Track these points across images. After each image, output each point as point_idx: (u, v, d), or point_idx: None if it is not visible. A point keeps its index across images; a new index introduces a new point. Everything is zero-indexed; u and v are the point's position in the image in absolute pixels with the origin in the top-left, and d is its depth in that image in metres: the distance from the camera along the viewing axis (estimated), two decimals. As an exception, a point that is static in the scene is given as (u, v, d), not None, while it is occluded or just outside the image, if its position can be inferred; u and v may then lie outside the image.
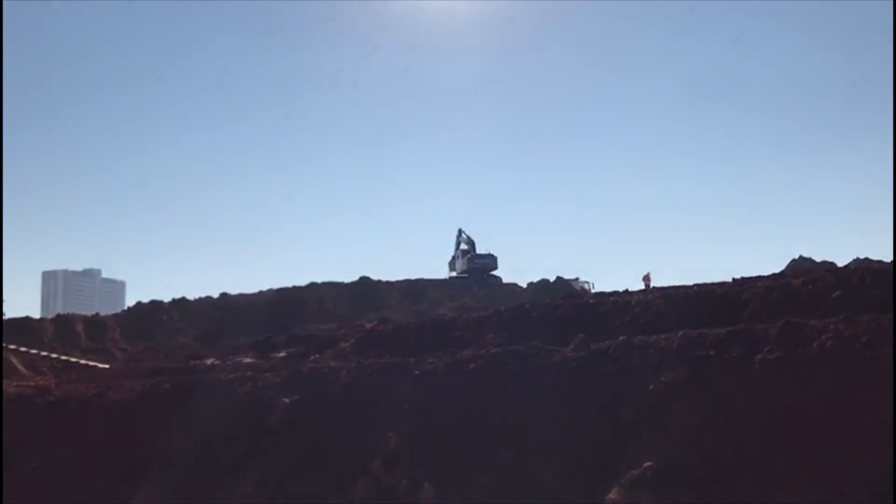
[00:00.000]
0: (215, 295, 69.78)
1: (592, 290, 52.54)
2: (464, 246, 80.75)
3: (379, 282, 66.26)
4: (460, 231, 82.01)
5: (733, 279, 17.05)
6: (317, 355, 20.47)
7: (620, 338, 13.97)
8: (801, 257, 44.82)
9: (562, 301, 18.96)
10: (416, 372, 15.46)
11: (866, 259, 32.71)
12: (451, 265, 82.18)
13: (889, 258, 20.38)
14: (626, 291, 18.40)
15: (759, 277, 17.06)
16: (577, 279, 67.82)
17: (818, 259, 43.18)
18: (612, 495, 11.02)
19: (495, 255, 77.42)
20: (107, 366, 32.10)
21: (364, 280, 65.73)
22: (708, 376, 12.27)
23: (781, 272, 22.73)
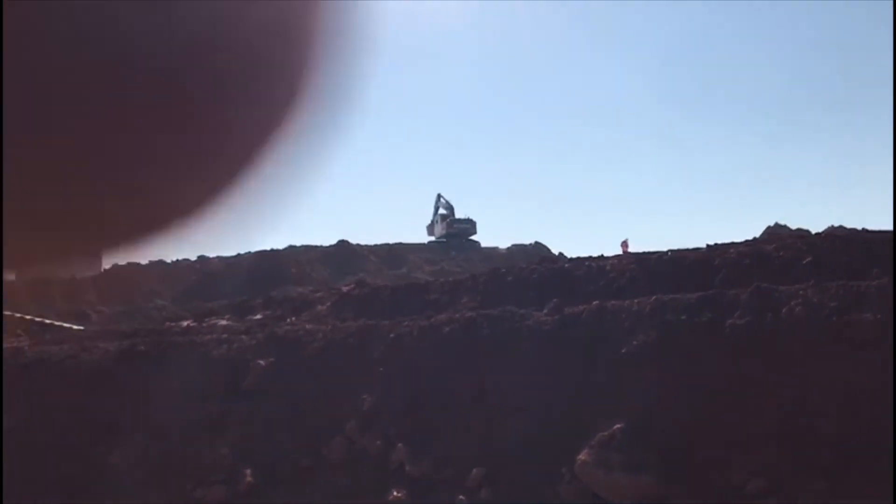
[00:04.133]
0: (193, 258, 69.35)
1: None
2: (442, 210, 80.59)
3: (357, 246, 66.12)
4: (439, 196, 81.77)
5: (707, 245, 17.21)
6: (293, 318, 20.47)
7: (594, 302, 14.09)
8: (776, 224, 45.16)
9: (537, 265, 19.05)
10: (391, 335, 15.52)
11: (840, 227, 33.04)
12: (430, 230, 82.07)
13: (862, 226, 20.58)
14: (602, 256, 18.50)
15: (733, 244, 17.24)
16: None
17: (793, 226, 43.62)
18: (582, 456, 11.20)
19: (474, 219, 77.41)
20: (81, 327, 31.90)
21: (342, 244, 65.54)
22: (679, 340, 12.45)
23: (756, 239, 22.91)
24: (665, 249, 17.25)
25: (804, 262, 14.79)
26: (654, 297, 13.42)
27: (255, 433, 14.69)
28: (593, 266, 17.07)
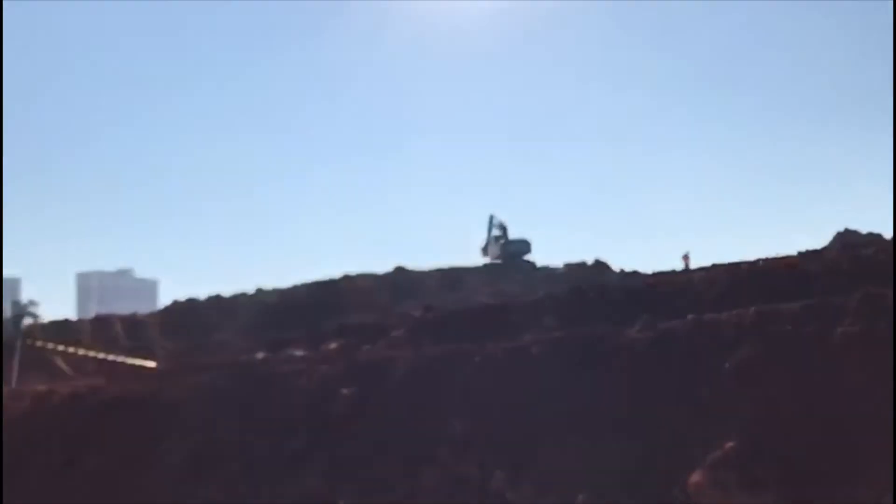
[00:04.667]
0: (250, 290, 69.88)
1: None
2: (496, 231, 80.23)
3: (414, 271, 66.05)
4: (492, 217, 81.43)
5: (799, 252, 16.62)
6: (369, 346, 20.32)
7: (689, 316, 13.63)
8: (846, 230, 43.67)
9: (619, 282, 18.64)
10: (477, 358, 15.22)
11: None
12: (484, 251, 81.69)
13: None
14: (686, 270, 18.02)
15: (825, 249, 16.65)
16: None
17: (863, 231, 42.21)
18: (695, 477, 10.73)
19: (528, 239, 76.80)
20: (153, 364, 32.27)
21: (399, 270, 65.57)
22: (786, 352, 11.92)
23: (829, 245, 22.26)
24: (751, 259, 16.71)
25: (907, 265, 14.16)
26: (753, 309, 12.92)
27: (345, 463, 14.48)
28: (679, 280, 16.60)
